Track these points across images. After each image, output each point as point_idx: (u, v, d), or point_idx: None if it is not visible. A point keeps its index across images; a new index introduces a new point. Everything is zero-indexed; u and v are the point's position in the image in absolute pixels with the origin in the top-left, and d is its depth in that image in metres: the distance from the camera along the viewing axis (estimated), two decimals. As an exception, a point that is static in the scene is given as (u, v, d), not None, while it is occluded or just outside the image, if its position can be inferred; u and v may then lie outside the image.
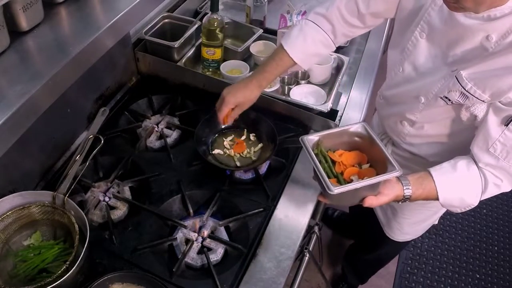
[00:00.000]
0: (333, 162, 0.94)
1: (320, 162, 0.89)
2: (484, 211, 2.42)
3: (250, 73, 1.45)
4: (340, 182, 0.90)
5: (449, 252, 2.22)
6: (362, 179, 0.89)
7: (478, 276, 2.13)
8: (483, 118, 0.89)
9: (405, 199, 0.92)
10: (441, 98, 0.94)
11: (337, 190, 0.83)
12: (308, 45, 1.10)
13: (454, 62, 0.90)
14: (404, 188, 0.91)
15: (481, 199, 0.94)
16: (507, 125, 0.84)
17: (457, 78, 0.88)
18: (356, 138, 0.94)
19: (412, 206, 1.29)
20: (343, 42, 1.19)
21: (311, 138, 0.93)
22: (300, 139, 0.93)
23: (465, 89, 0.87)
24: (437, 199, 0.93)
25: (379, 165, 0.90)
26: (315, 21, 1.10)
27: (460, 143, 0.99)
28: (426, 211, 1.31)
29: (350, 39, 1.16)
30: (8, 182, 1.02)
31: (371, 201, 0.89)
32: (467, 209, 0.96)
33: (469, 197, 0.93)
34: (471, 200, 0.94)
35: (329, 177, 0.87)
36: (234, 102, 1.12)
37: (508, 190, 0.93)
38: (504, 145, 0.86)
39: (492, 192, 0.93)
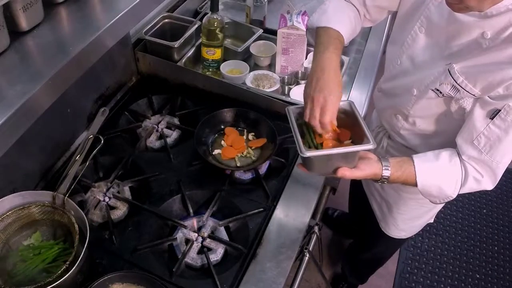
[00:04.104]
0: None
1: (303, 135, 0.91)
2: (484, 211, 2.42)
3: (251, 73, 1.47)
4: None
5: (449, 252, 2.22)
6: None
7: (478, 276, 2.13)
8: (470, 110, 0.91)
9: (383, 179, 0.93)
10: (432, 90, 0.95)
11: (308, 153, 0.85)
12: (351, 23, 1.04)
13: (449, 56, 0.91)
14: (383, 168, 0.92)
15: (461, 193, 0.95)
16: (492, 118, 0.85)
17: (449, 71, 0.89)
18: (341, 115, 0.95)
19: (406, 201, 1.30)
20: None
21: (297, 109, 0.94)
22: (286, 108, 0.94)
23: (456, 82, 0.88)
24: (415, 184, 0.94)
25: (360, 143, 0.91)
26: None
27: (452, 139, 1.00)
28: (420, 207, 1.32)
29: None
30: (8, 182, 1.02)
31: (343, 172, 0.89)
32: (445, 200, 0.98)
33: (447, 188, 0.94)
34: (450, 191, 0.94)
35: (310, 147, 0.89)
36: (339, 98, 0.89)
37: (489, 188, 0.94)
38: (488, 139, 0.87)
39: (472, 186, 0.94)
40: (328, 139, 0.93)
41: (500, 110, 0.84)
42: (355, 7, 1.08)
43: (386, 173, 0.92)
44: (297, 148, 0.86)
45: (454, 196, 0.96)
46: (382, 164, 0.93)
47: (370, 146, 0.86)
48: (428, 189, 0.96)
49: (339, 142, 0.94)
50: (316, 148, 0.91)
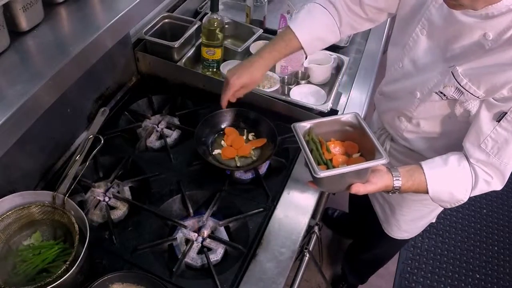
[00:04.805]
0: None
1: (311, 150, 0.90)
2: (484, 211, 2.42)
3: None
4: (329, 168, 0.90)
5: (449, 252, 2.22)
6: None
7: (478, 276, 2.13)
8: (476, 113, 0.90)
9: (395, 190, 0.92)
10: (436, 93, 0.95)
11: (322, 174, 0.83)
12: (315, 27, 1.09)
13: (452, 58, 0.91)
14: (394, 179, 0.91)
15: (471, 196, 0.95)
16: (499, 121, 0.85)
17: (453, 74, 0.89)
18: (348, 128, 0.94)
19: (409, 203, 1.30)
20: (348, 34, 1.18)
21: (303, 125, 0.93)
22: (292, 125, 0.93)
23: (460, 85, 0.88)
24: (426, 192, 0.94)
25: (369, 155, 0.91)
26: (323, 5, 1.10)
27: (457, 140, 0.99)
28: (423, 208, 1.31)
29: (356, 32, 1.16)
30: (8, 182, 1.02)
31: (357, 188, 0.89)
32: (457, 204, 0.97)
33: (458, 192, 0.94)
34: (461, 195, 0.94)
35: (319, 164, 0.88)
36: (240, 84, 1.08)
37: (498, 188, 0.94)
38: (495, 142, 0.87)
39: (482, 189, 0.93)
40: (337, 154, 0.92)
41: (506, 113, 0.83)
42: (331, 15, 1.08)
43: (398, 183, 0.91)
44: (310, 168, 0.85)
45: (466, 200, 0.95)
46: (392, 175, 0.92)
47: (383, 161, 0.84)
48: (439, 195, 0.95)
49: (347, 156, 0.93)
50: (326, 164, 0.90)
